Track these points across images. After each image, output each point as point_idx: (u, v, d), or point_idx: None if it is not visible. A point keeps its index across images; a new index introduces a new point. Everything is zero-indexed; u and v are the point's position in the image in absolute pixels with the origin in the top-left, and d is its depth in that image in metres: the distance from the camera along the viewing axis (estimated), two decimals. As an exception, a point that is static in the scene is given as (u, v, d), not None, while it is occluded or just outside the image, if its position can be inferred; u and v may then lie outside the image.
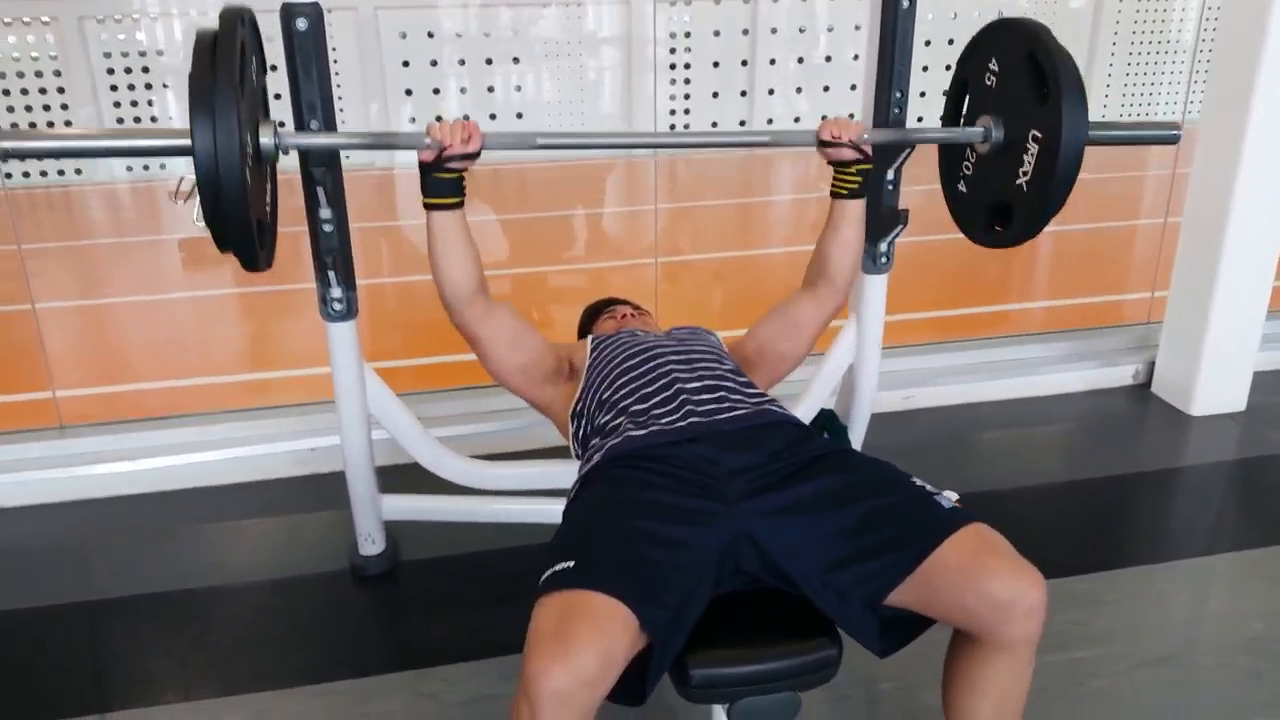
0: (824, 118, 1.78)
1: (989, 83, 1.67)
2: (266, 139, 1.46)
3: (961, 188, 1.77)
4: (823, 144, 1.77)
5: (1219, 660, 2.02)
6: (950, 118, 1.81)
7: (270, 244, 1.57)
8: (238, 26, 1.37)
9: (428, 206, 1.68)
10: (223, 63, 1.29)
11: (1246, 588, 2.27)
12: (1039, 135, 1.52)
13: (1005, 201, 1.63)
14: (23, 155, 1.39)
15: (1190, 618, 2.18)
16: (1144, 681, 1.95)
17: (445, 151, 1.62)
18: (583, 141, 1.94)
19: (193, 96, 1.26)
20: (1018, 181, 1.58)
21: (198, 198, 1.29)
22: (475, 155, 1.64)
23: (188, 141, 1.26)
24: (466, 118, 1.64)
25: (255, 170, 1.41)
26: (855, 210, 1.83)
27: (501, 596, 2.22)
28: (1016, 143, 1.58)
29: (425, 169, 1.65)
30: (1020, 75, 1.58)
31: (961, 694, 1.43)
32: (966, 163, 1.75)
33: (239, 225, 1.30)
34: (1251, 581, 2.29)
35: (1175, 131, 1.70)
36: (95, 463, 2.73)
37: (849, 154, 1.76)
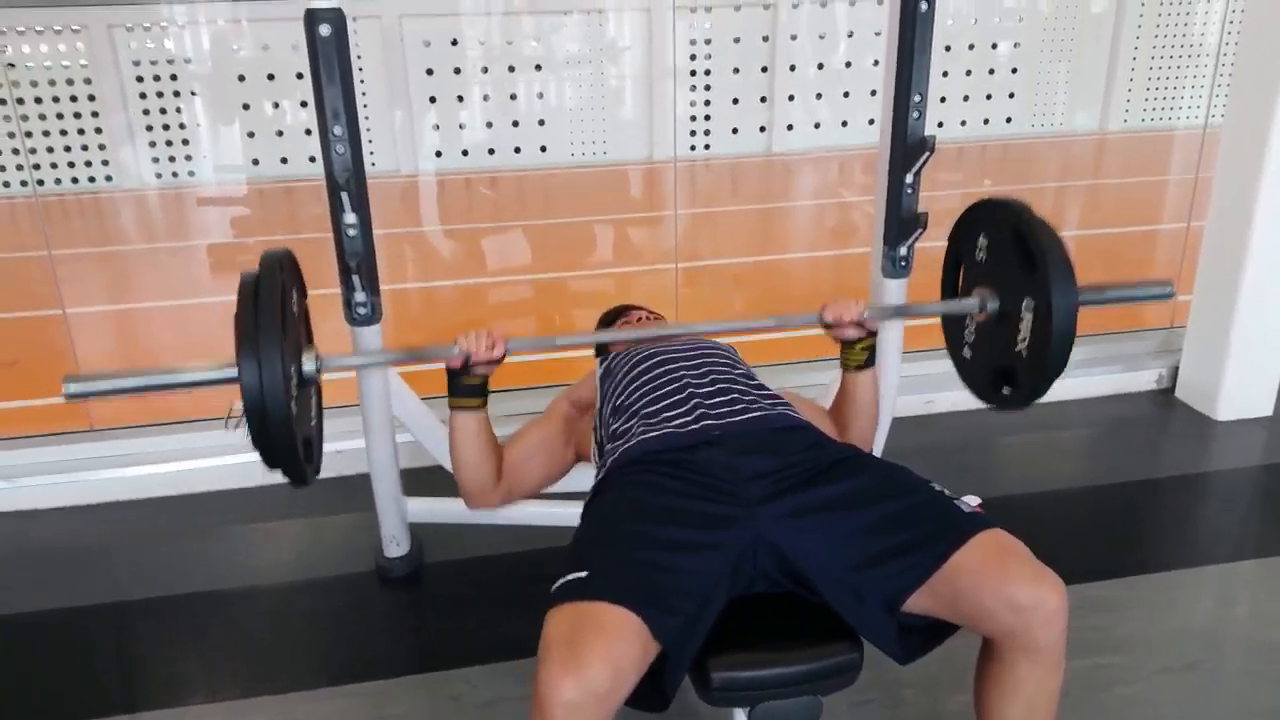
0: (826, 304, 1.79)
1: (980, 257, 1.72)
2: (309, 365, 1.56)
3: (965, 353, 1.83)
4: (826, 325, 1.79)
5: (1244, 668, 2.01)
6: (948, 288, 1.86)
7: (318, 454, 1.66)
8: (277, 271, 1.46)
9: (452, 407, 1.75)
10: (265, 306, 1.40)
11: (1272, 594, 2.25)
12: (1031, 306, 1.58)
13: (1008, 366, 1.68)
14: (87, 396, 1.49)
15: (1215, 624, 2.16)
16: (1168, 688, 1.94)
17: (471, 358, 1.67)
18: (602, 338, 2.04)
19: (239, 342, 1.37)
20: (1017, 348, 1.63)
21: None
22: (500, 361, 1.69)
23: (236, 373, 1.37)
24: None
25: (300, 394, 1.51)
26: (866, 379, 1.85)
27: (524, 599, 2.23)
28: (1011, 312, 1.63)
29: (453, 374, 1.71)
30: (1008, 249, 1.64)
31: (991, 699, 1.42)
32: (967, 330, 1.80)
33: (285, 449, 1.41)
34: (1277, 588, 2.27)
35: (1168, 289, 1.73)
36: (124, 465, 2.77)
37: (853, 333, 1.79)
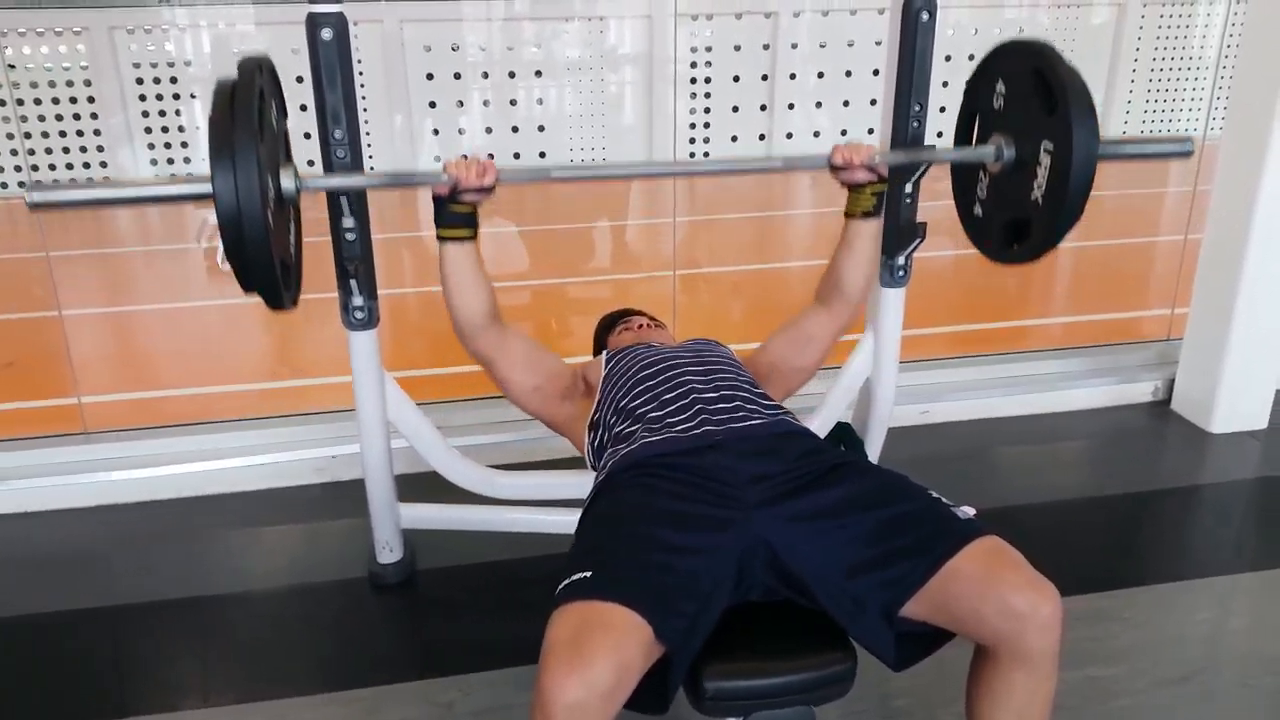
0: (837, 145, 1.79)
1: (997, 105, 1.69)
2: (287, 182, 1.50)
3: (976, 210, 1.79)
4: (835, 168, 1.78)
5: (1241, 680, 2.00)
6: (961, 140, 1.83)
7: (295, 284, 1.61)
8: (256, 75, 1.41)
9: (440, 238, 1.71)
10: (241, 110, 1.33)
11: (1268, 607, 2.25)
12: (1050, 148, 1.54)
13: (1021, 218, 1.64)
14: (51, 207, 1.42)
15: (1211, 636, 2.16)
16: (1164, 701, 1.94)
17: (460, 185, 1.64)
18: (598, 173, 1.98)
19: (212, 144, 1.29)
20: (1032, 197, 1.59)
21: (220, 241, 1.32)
22: (490, 190, 1.67)
23: (209, 188, 1.29)
24: (492, 156, 1.68)
25: (277, 212, 1.44)
26: (870, 229, 1.84)
27: (518, 606, 2.23)
28: (1028, 159, 1.59)
29: (439, 202, 1.68)
30: (1028, 93, 1.60)
31: (982, 706, 1.42)
32: (980, 183, 1.76)
33: (262, 267, 1.34)
34: (1273, 601, 2.27)
35: (1188, 146, 1.70)
36: (119, 468, 2.76)
37: (863, 176, 1.77)
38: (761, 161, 1.85)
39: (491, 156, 1.63)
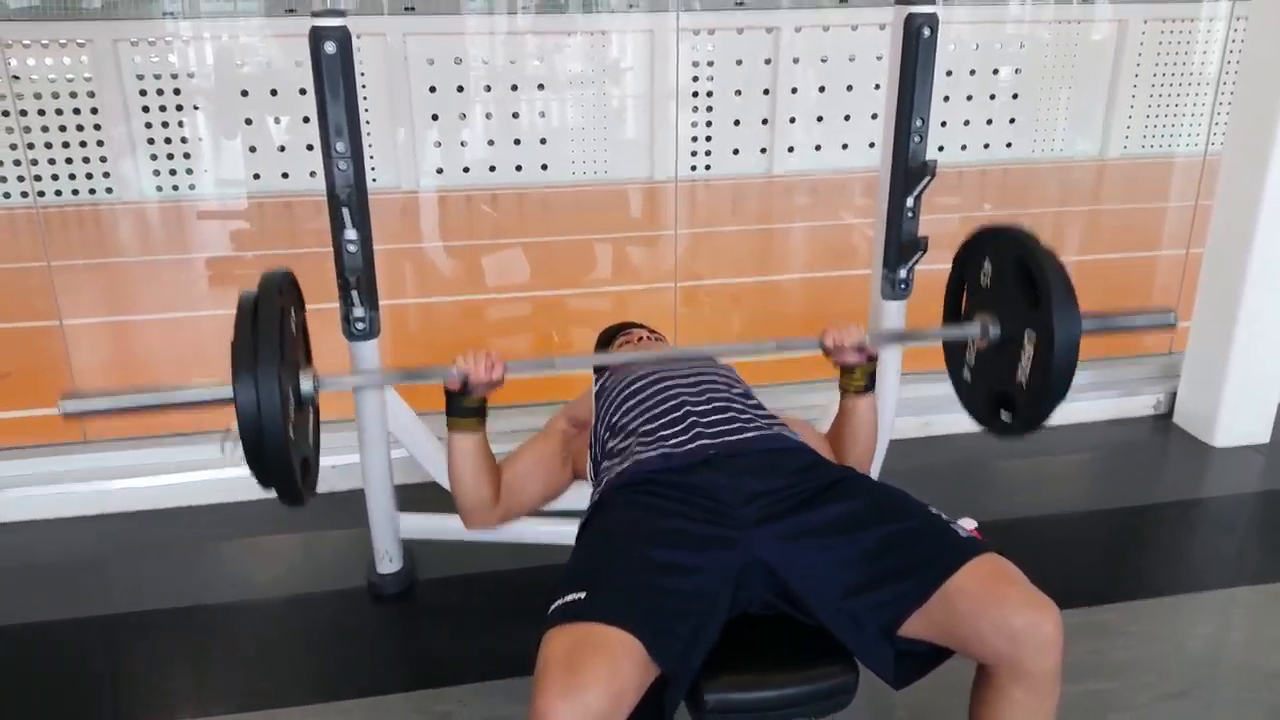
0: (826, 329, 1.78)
1: (984, 283, 1.72)
2: (306, 385, 1.54)
3: (966, 377, 1.82)
4: (826, 350, 1.78)
5: (1240, 694, 1.99)
6: (950, 312, 1.86)
7: (314, 474, 1.64)
8: (276, 295, 1.45)
9: (451, 427, 1.72)
10: (263, 330, 1.38)
11: (1269, 621, 2.24)
12: (1033, 335, 1.58)
13: (1008, 393, 1.68)
14: (83, 415, 1.48)
15: (1211, 650, 2.15)
16: (1164, 714, 1.93)
17: (470, 379, 1.65)
18: (602, 361, 2.03)
19: (236, 366, 1.35)
20: (1018, 378, 1.63)
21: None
22: (499, 383, 1.68)
23: (230, 394, 1.35)
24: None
25: (297, 413, 1.50)
26: (866, 404, 1.83)
27: (518, 617, 2.22)
28: (1013, 339, 1.63)
29: (451, 395, 1.69)
30: (1011, 278, 1.64)
31: None
32: (968, 354, 1.80)
33: (281, 470, 1.39)
34: (1274, 615, 2.26)
35: (1170, 317, 1.74)
36: (117, 477, 2.76)
37: (854, 358, 1.77)
38: (755, 346, 1.85)
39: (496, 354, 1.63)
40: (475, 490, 1.77)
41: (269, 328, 1.39)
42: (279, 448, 1.36)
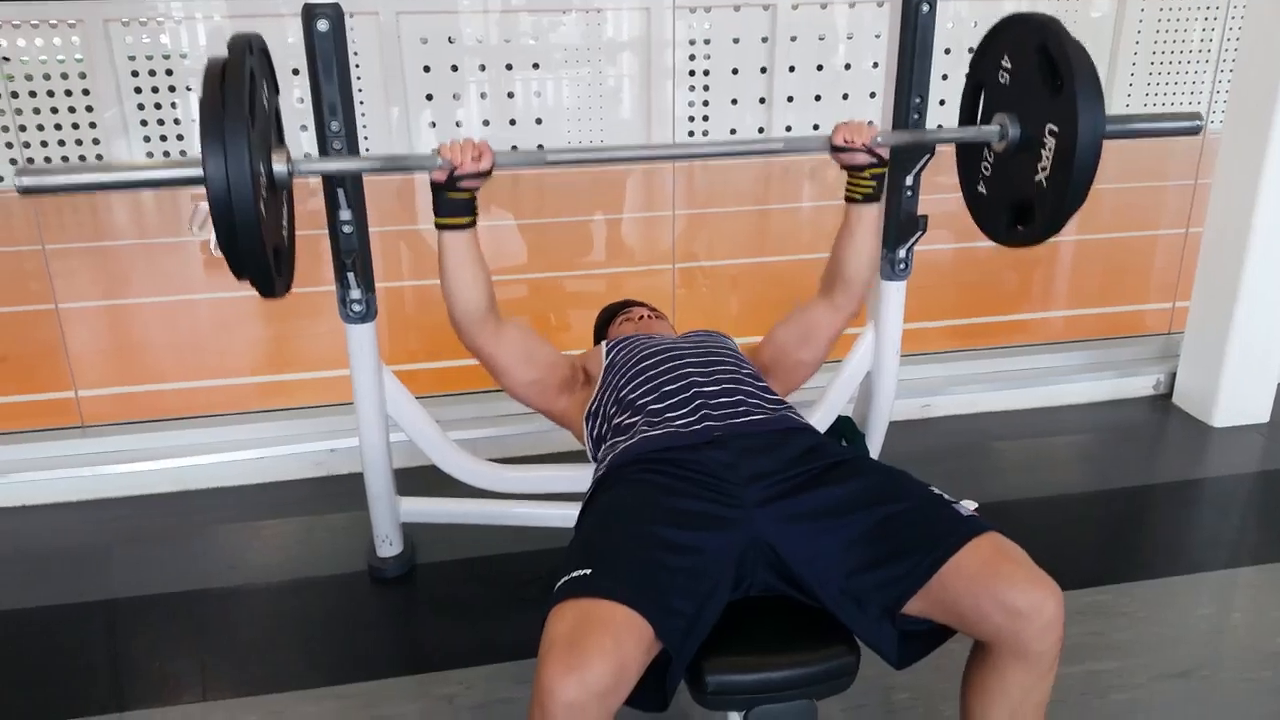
0: (838, 124, 1.76)
1: (1003, 80, 1.65)
2: (280, 166, 1.46)
3: (981, 189, 1.75)
4: (835, 149, 1.75)
5: (1241, 675, 2.00)
6: (966, 119, 1.80)
7: (288, 269, 1.57)
8: (246, 55, 1.37)
9: (439, 226, 1.68)
10: (232, 92, 1.29)
11: (1269, 601, 2.25)
12: (1055, 129, 1.51)
13: (1025, 199, 1.61)
14: (41, 191, 1.37)
15: (1212, 631, 2.16)
16: (1164, 695, 1.93)
17: (456, 171, 1.61)
18: (593, 156, 1.93)
19: (203, 127, 1.26)
20: (1037, 178, 1.56)
21: (212, 226, 1.30)
22: (487, 174, 1.63)
23: (200, 171, 1.26)
24: (487, 125, 1.65)
25: (270, 197, 1.41)
26: (871, 214, 1.81)
27: (518, 600, 2.22)
28: (1033, 139, 1.56)
29: (437, 189, 1.64)
30: (1033, 69, 1.56)
31: (977, 700, 1.42)
32: (985, 163, 1.74)
33: (254, 254, 1.31)
34: (1274, 595, 2.26)
35: (1196, 122, 1.66)
36: (116, 462, 2.75)
37: (863, 158, 1.74)
38: (761, 142, 1.81)
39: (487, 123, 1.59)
40: (469, 292, 1.73)
41: (238, 94, 1.29)
42: (251, 225, 1.28)
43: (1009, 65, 1.63)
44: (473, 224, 1.69)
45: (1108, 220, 5.78)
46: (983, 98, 1.75)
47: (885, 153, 1.76)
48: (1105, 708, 1.90)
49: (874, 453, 2.50)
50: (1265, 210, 2.82)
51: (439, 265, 1.72)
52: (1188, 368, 3.19)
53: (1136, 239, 5.81)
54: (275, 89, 1.54)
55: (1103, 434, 3.12)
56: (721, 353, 1.81)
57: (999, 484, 2.79)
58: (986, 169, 1.72)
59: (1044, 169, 1.54)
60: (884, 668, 1.43)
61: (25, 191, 1.34)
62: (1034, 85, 1.55)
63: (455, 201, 1.66)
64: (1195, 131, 1.67)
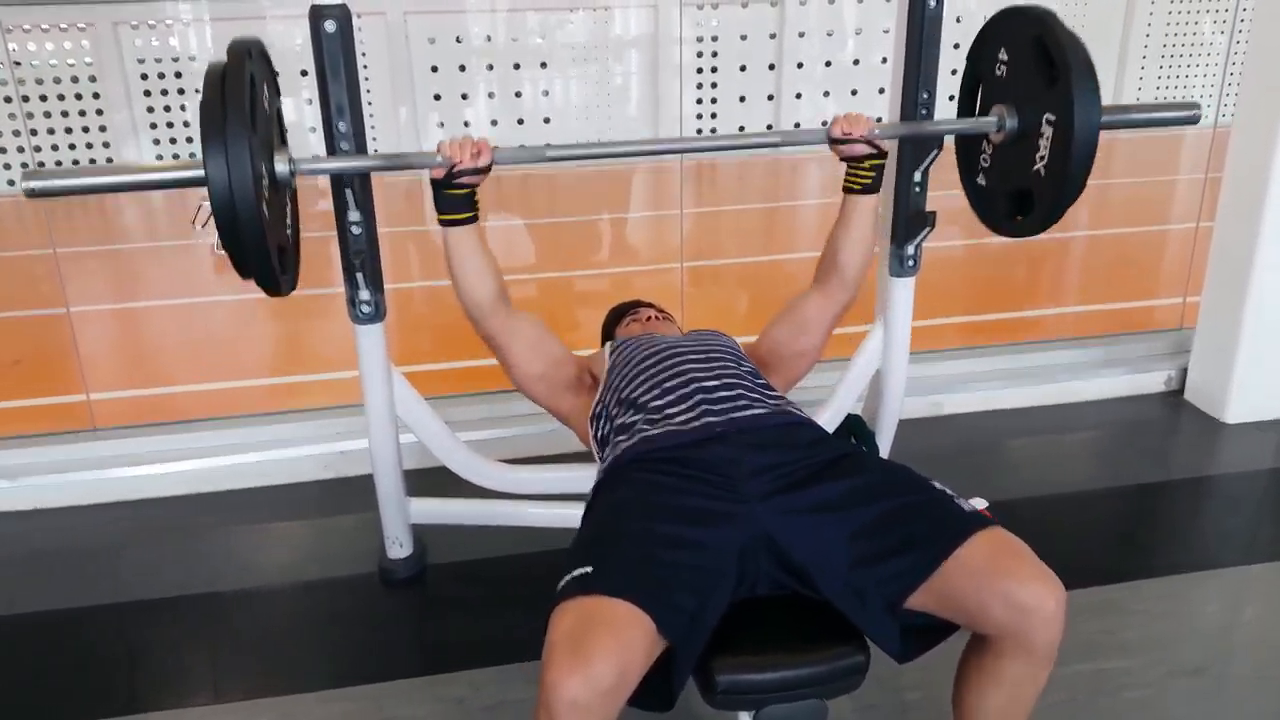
0: (836, 117, 1.76)
1: (1000, 73, 1.66)
2: (281, 165, 1.48)
3: (980, 180, 1.76)
4: (834, 141, 1.76)
5: (1254, 672, 1.99)
6: (964, 110, 1.80)
7: (293, 268, 1.58)
8: (246, 59, 1.39)
9: (442, 223, 1.69)
10: (232, 95, 1.31)
11: (1282, 598, 2.24)
12: (1052, 119, 1.51)
13: (1024, 189, 1.62)
14: (49, 194, 1.39)
15: (1224, 628, 2.14)
16: (1176, 692, 1.92)
17: (455, 168, 1.62)
18: (594, 152, 1.95)
19: (204, 130, 1.28)
20: (1035, 168, 1.57)
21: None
22: (486, 170, 1.64)
23: (202, 173, 1.27)
24: (493, 124, 1.66)
25: (273, 196, 1.42)
26: (868, 204, 1.82)
27: (528, 601, 2.20)
28: (1031, 129, 1.57)
29: (437, 186, 1.66)
30: (1029, 61, 1.57)
31: (973, 689, 1.42)
32: (983, 154, 1.74)
33: (258, 253, 1.33)
34: (1287, 592, 2.25)
35: (1194, 111, 1.66)
36: (127, 465, 2.76)
37: (861, 149, 1.75)
38: (761, 136, 1.80)
39: (495, 122, 1.59)
40: (478, 283, 1.74)
41: (238, 97, 1.32)
42: (253, 224, 1.30)
43: (1005, 58, 1.64)
44: (474, 219, 1.71)
45: (1119, 215, 5.76)
46: (980, 90, 1.75)
47: (884, 144, 1.76)
48: (1117, 706, 1.89)
49: (884, 451, 2.49)
50: (1276, 204, 2.80)
51: (446, 260, 1.74)
52: (1199, 363, 3.17)
53: (1147, 234, 5.78)
54: (276, 91, 1.55)
55: (1114, 430, 3.11)
56: (721, 350, 1.81)
57: (1010, 481, 2.78)
58: (985, 160, 1.73)
59: (1042, 159, 1.55)
60: (895, 667, 1.43)
61: (32, 194, 1.36)
62: (1030, 77, 1.56)
63: (455, 198, 1.67)
64: (1193, 121, 1.67)
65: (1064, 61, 1.47)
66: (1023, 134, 1.59)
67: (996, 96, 1.67)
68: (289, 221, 1.58)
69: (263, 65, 1.48)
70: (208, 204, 1.29)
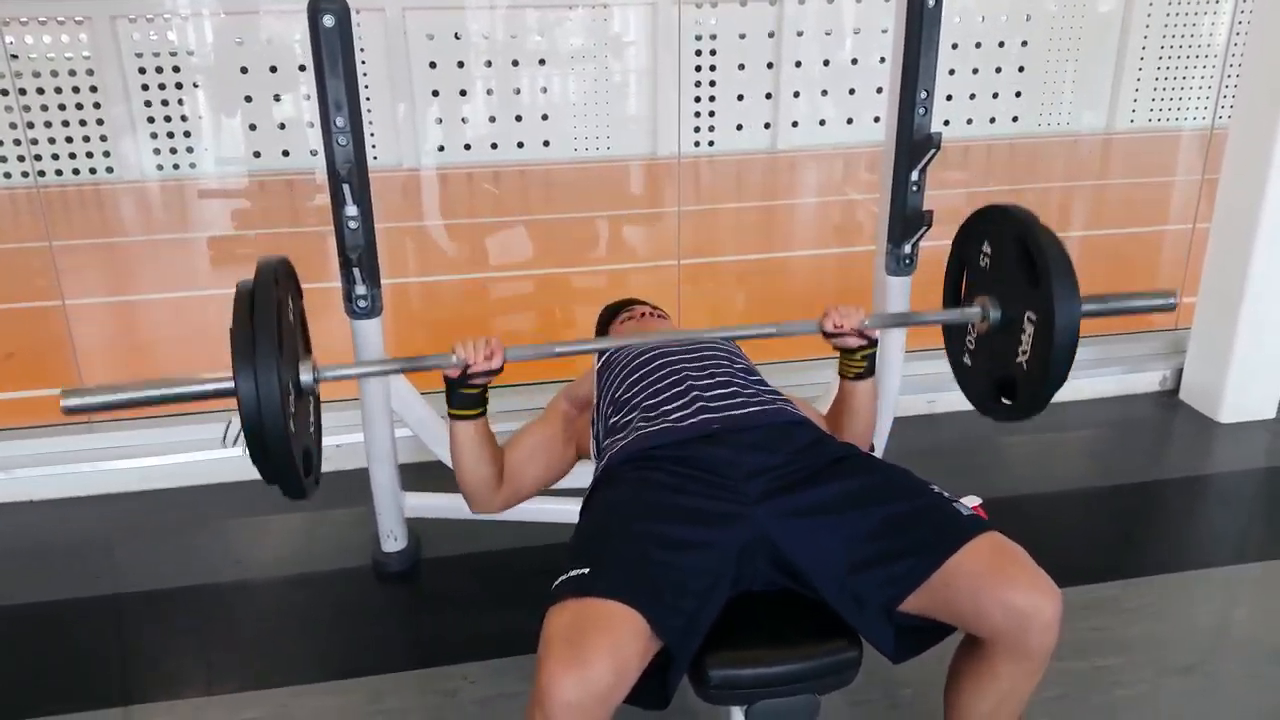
0: (828, 311, 1.76)
1: (983, 264, 1.71)
2: (306, 375, 1.53)
3: (967, 361, 1.81)
4: (827, 334, 1.74)
5: (1247, 670, 1.99)
6: (950, 297, 1.84)
7: (316, 465, 1.63)
8: (273, 285, 1.43)
9: (452, 417, 1.70)
10: (261, 317, 1.37)
11: (1275, 597, 2.24)
12: (1034, 318, 1.57)
13: (1008, 377, 1.66)
14: (84, 410, 1.47)
15: (1217, 627, 2.15)
16: (1170, 691, 1.93)
17: (469, 369, 1.63)
18: (599, 346, 1.99)
19: (235, 353, 1.34)
20: (1018, 359, 1.61)
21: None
22: (498, 371, 1.66)
23: (233, 384, 1.35)
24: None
25: (298, 403, 1.49)
26: (866, 389, 1.81)
27: (522, 595, 2.23)
28: (1013, 322, 1.62)
29: (450, 384, 1.67)
30: (1012, 259, 1.63)
31: (964, 690, 1.43)
32: (969, 338, 1.78)
33: (284, 466, 1.39)
34: (1279, 591, 2.26)
35: (1170, 299, 1.72)
36: (121, 458, 2.76)
37: (854, 341, 1.75)
38: (755, 328, 1.80)
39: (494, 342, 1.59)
40: (478, 476, 1.76)
41: (266, 322, 1.37)
42: (280, 441, 1.36)
43: (989, 251, 1.69)
44: (483, 414, 1.72)
45: (1116, 215, 5.77)
46: (965, 277, 1.79)
47: (876, 334, 1.77)
48: (1110, 703, 1.89)
49: (879, 449, 2.49)
50: (1272, 206, 2.81)
51: (450, 449, 1.74)
52: (1194, 363, 3.18)
53: (1143, 234, 5.79)
54: (299, 294, 1.60)
55: (1109, 429, 3.12)
56: (713, 348, 1.81)
57: (1004, 479, 2.79)
58: (971, 344, 1.78)
59: (1024, 352, 1.61)
60: (887, 662, 1.43)
61: (70, 411, 1.45)
62: (1013, 273, 1.63)
63: (467, 396, 1.67)
64: (1169, 309, 1.74)
65: (1044, 265, 1.52)
66: (1006, 326, 1.66)
67: (981, 287, 1.72)
68: (313, 420, 1.63)
69: (287, 279, 1.54)
70: (236, 422, 1.35)
